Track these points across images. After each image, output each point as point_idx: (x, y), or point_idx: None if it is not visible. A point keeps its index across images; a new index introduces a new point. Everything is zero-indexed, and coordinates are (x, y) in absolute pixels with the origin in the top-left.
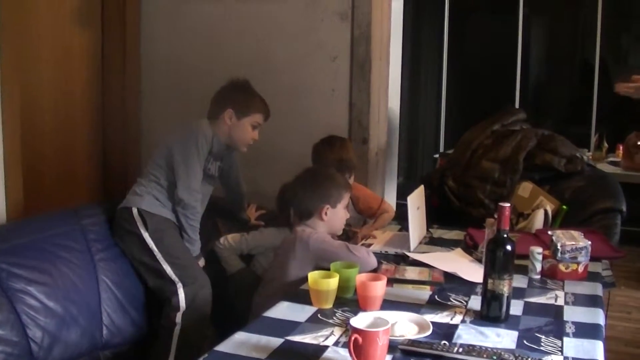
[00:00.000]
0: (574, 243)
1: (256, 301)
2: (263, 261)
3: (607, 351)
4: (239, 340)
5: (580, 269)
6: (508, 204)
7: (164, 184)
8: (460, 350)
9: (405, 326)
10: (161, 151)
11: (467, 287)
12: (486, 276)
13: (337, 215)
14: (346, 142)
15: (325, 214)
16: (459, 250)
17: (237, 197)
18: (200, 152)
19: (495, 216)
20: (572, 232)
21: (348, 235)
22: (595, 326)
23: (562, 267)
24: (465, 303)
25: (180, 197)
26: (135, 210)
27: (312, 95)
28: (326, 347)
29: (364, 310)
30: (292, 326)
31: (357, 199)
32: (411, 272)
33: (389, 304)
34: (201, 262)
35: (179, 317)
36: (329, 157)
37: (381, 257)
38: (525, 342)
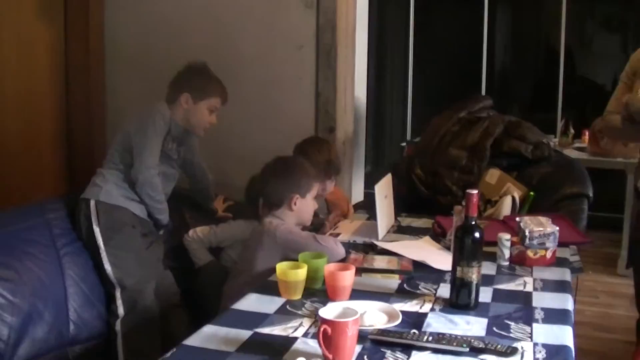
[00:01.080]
0: (541, 229)
1: (225, 293)
2: (232, 254)
3: (576, 336)
4: (208, 333)
5: (549, 255)
6: (475, 191)
7: (122, 169)
8: (430, 338)
9: (375, 316)
10: (119, 137)
11: (435, 275)
12: (455, 264)
13: (306, 205)
14: (330, 143)
15: (295, 204)
16: (427, 238)
17: (203, 186)
18: (157, 130)
19: (463, 203)
20: (540, 218)
21: (316, 226)
22: (564, 311)
23: (530, 253)
24: (434, 291)
25: (136, 175)
26: (92, 203)
27: (278, 84)
28: (295, 338)
29: (333, 300)
30: (261, 318)
31: (334, 205)
32: (380, 261)
33: (358, 294)
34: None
35: (118, 325)
36: (317, 159)
37: (349, 246)
38: (494, 329)
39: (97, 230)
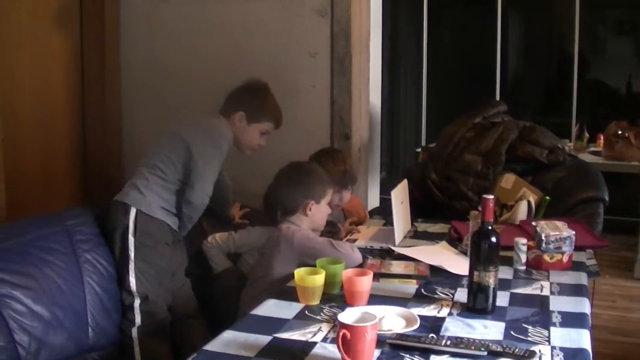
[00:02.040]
0: (557, 233)
1: (244, 300)
2: (250, 260)
3: (594, 339)
4: (227, 338)
5: (565, 258)
6: (491, 196)
7: (171, 182)
8: (448, 342)
9: (393, 320)
10: (174, 145)
11: (453, 280)
12: (472, 268)
13: (320, 210)
14: (344, 153)
15: (309, 209)
16: (443, 243)
17: (224, 193)
18: (222, 158)
19: (479, 208)
20: (556, 222)
21: (331, 231)
22: (581, 315)
23: (546, 257)
24: (451, 296)
25: (193, 200)
26: (133, 211)
27: (293, 93)
28: (314, 343)
29: (351, 305)
30: (279, 323)
31: (350, 213)
32: (397, 267)
33: (375, 299)
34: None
35: (134, 332)
36: (332, 170)
37: (366, 252)
38: (512, 332)
39: (131, 240)
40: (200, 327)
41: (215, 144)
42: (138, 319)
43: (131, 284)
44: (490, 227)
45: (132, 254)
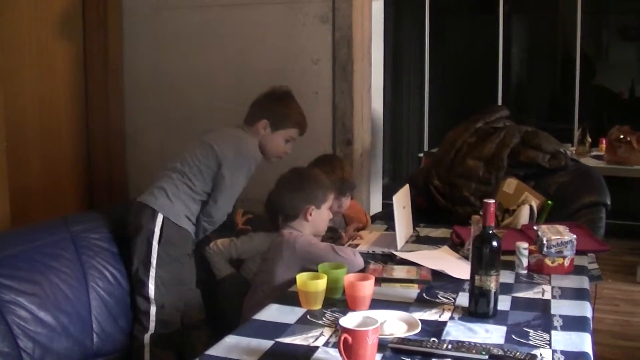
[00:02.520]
0: (559, 237)
1: (246, 305)
2: (252, 266)
3: (596, 344)
4: (230, 343)
5: (567, 263)
6: (493, 201)
7: (198, 192)
8: (450, 346)
9: (395, 325)
10: (207, 156)
11: (454, 284)
12: (473, 273)
13: (321, 216)
14: (342, 160)
15: (310, 214)
16: (445, 248)
17: None
18: (248, 178)
19: (481, 213)
20: (558, 226)
21: (333, 237)
22: (583, 319)
23: (548, 261)
24: (453, 300)
25: (213, 214)
26: (159, 217)
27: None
28: (316, 347)
29: (353, 310)
30: (282, 328)
31: (351, 218)
32: (399, 271)
33: (377, 304)
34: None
35: (147, 338)
36: (331, 177)
37: (368, 257)
38: (513, 336)
39: (155, 246)
40: (205, 338)
41: (244, 163)
42: (152, 326)
43: (150, 291)
44: (491, 232)
45: (154, 261)
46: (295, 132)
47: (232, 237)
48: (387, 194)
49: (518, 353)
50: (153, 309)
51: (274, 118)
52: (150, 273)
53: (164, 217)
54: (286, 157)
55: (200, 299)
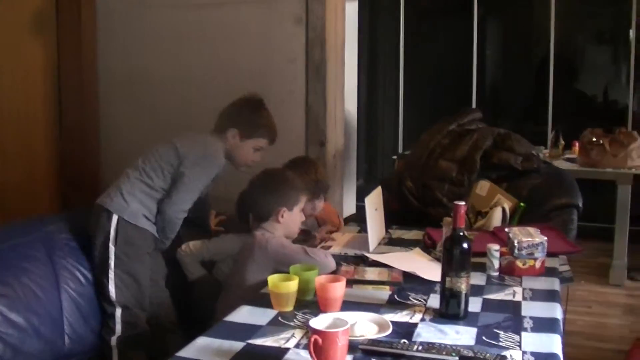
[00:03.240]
0: (530, 239)
1: (219, 307)
2: (225, 268)
3: (569, 345)
4: (201, 345)
5: (538, 264)
6: (463, 203)
7: (156, 189)
8: (420, 348)
9: (365, 326)
10: (168, 154)
11: (426, 286)
12: (444, 274)
13: (293, 218)
14: (315, 162)
15: (282, 216)
16: (417, 249)
17: (204, 206)
18: (208, 179)
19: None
20: (529, 228)
21: (306, 239)
22: (553, 320)
23: (519, 263)
24: (424, 302)
25: (166, 210)
26: (115, 219)
27: (269, 98)
28: (287, 349)
29: (324, 311)
30: (253, 330)
31: (323, 220)
32: (371, 273)
33: (349, 305)
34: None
35: (113, 341)
36: (304, 179)
37: (341, 258)
38: (484, 338)
39: (112, 248)
40: (180, 341)
41: (205, 164)
42: (118, 328)
43: (111, 293)
44: (462, 234)
45: (112, 263)
46: (264, 142)
47: (204, 239)
48: (362, 196)
49: (488, 354)
50: (118, 311)
51: (243, 127)
52: (110, 275)
53: (118, 217)
54: (255, 165)
55: (169, 299)
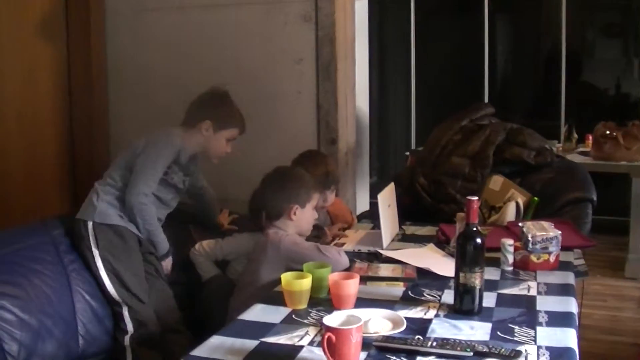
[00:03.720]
0: (544, 233)
1: (232, 306)
2: (238, 267)
3: (584, 339)
4: (214, 344)
5: (552, 259)
6: (475, 198)
7: (120, 187)
8: (434, 344)
9: (379, 323)
10: (124, 154)
11: (440, 282)
12: (457, 270)
13: (305, 215)
14: (325, 155)
15: (294, 213)
16: (431, 245)
17: (206, 205)
18: (161, 159)
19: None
20: (543, 223)
21: (318, 235)
22: (568, 314)
23: (533, 257)
24: (438, 297)
25: (128, 199)
26: (90, 225)
27: (278, 99)
28: (301, 347)
29: (338, 308)
30: (267, 328)
31: (336, 217)
32: (384, 270)
33: (362, 302)
34: (168, 262)
35: (127, 340)
36: (314, 172)
37: (354, 255)
38: (498, 333)
39: (96, 252)
40: (185, 341)
41: (158, 147)
42: (130, 327)
43: (112, 294)
44: (475, 229)
45: (100, 266)
46: (236, 132)
47: (218, 238)
48: (375, 193)
49: (503, 350)
50: (125, 310)
51: (216, 119)
52: (103, 277)
53: (92, 222)
54: (227, 156)
55: (172, 298)
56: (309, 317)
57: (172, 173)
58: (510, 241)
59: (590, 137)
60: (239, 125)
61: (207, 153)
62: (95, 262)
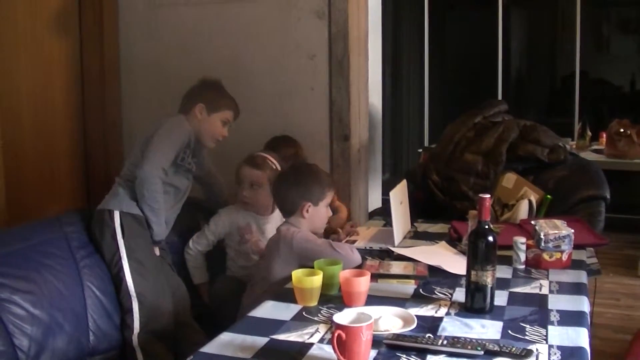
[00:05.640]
0: (556, 232)
1: (244, 303)
2: (231, 241)
3: (597, 338)
4: (225, 340)
5: (564, 257)
6: (488, 195)
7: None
8: (445, 342)
9: (390, 320)
10: (138, 146)
11: (451, 280)
12: (469, 268)
13: (318, 213)
14: (294, 139)
15: (307, 211)
16: (443, 243)
17: (218, 197)
18: (173, 140)
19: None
20: (555, 221)
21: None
22: (580, 313)
23: (545, 256)
24: (450, 295)
25: (139, 173)
26: (117, 214)
27: (291, 95)
28: (311, 344)
29: (349, 306)
30: (277, 325)
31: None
32: (396, 267)
33: (374, 300)
34: (156, 251)
35: (135, 340)
36: (286, 153)
37: (366, 252)
38: (510, 332)
39: (121, 242)
40: (198, 337)
41: (171, 128)
42: (137, 324)
43: (129, 285)
44: (487, 227)
45: (124, 254)
46: (230, 114)
47: (204, 225)
48: (387, 190)
49: (514, 348)
50: (136, 305)
51: (209, 102)
52: (124, 267)
53: (120, 212)
54: (224, 140)
55: (186, 291)
56: (319, 315)
57: (185, 157)
58: (523, 239)
59: (604, 135)
60: (231, 107)
61: (202, 137)
62: (119, 252)
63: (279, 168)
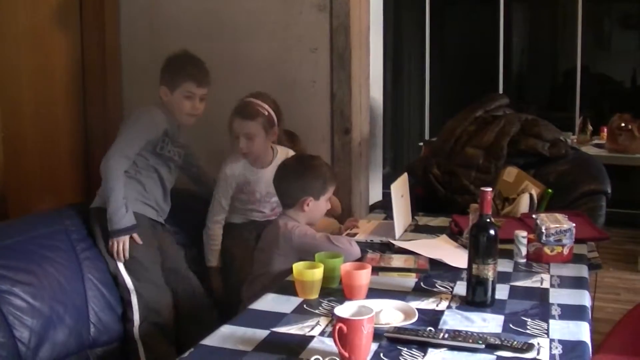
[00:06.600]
0: (558, 226)
1: (244, 297)
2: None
3: (597, 332)
4: (225, 333)
5: (565, 251)
6: (489, 189)
7: (131, 173)
8: (446, 335)
9: (391, 314)
10: None
11: (452, 273)
12: (470, 261)
13: (318, 207)
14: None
15: (307, 205)
16: (444, 236)
17: (202, 186)
18: (139, 127)
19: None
20: (557, 215)
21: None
22: (581, 307)
23: (547, 250)
24: (450, 289)
25: (103, 159)
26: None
27: (293, 89)
28: (312, 337)
29: (350, 299)
30: (277, 317)
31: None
32: (396, 260)
33: (375, 293)
34: (119, 241)
35: (136, 333)
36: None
37: (366, 246)
38: (511, 325)
39: None
40: (215, 318)
41: (140, 115)
42: (137, 316)
43: (125, 281)
44: (488, 220)
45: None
46: (190, 85)
47: (214, 195)
48: (388, 183)
49: (515, 342)
50: (134, 298)
51: (167, 82)
52: (119, 263)
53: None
54: (199, 115)
55: (199, 286)
56: (320, 308)
57: (166, 146)
58: (524, 233)
59: (605, 129)
60: (189, 78)
61: (176, 117)
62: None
63: (271, 112)
